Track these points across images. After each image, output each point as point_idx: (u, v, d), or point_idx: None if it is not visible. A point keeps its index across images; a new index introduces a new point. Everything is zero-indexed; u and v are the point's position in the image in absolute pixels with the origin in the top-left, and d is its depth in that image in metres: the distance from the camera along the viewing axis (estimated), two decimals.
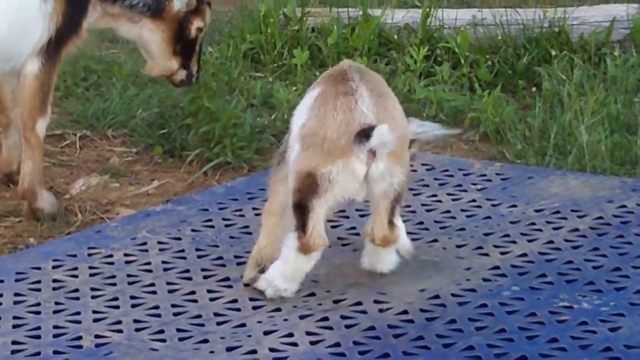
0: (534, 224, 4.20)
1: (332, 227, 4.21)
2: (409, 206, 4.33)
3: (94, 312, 3.66)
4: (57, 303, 3.73)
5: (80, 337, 3.49)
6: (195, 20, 5.26)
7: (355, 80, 3.72)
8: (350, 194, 3.71)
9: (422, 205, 4.41)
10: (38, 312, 3.66)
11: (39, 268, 3.98)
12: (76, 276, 3.91)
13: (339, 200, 3.69)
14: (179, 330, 3.52)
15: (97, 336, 3.49)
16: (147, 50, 5.37)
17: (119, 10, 5.18)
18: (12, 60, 4.97)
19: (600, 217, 4.24)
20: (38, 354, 3.39)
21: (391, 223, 3.78)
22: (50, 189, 5.35)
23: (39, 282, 3.88)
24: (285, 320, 3.53)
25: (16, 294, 3.79)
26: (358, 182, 3.66)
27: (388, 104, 3.79)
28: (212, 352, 3.38)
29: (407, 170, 3.80)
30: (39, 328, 3.55)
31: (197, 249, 4.09)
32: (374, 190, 3.68)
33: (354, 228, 4.19)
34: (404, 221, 3.92)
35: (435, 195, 4.51)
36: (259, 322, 3.52)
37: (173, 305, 3.68)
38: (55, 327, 3.57)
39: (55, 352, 3.40)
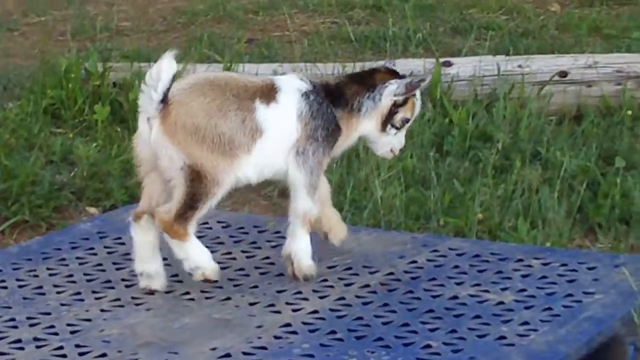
0: (326, 280, 4.23)
1: (126, 286, 4.23)
2: None
3: None
4: None
5: None
6: None
7: None
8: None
9: (217, 262, 4.43)
10: None
11: None
12: None
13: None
14: None
15: None
16: None
17: None
18: None
19: (391, 273, 4.28)
20: None
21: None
22: None
23: None
24: None
25: None
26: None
27: None
28: None
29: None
30: None
31: None
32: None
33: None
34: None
35: (230, 253, 4.52)
36: None
37: None
38: None
39: None
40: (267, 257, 4.45)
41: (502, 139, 6.01)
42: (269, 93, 4.16)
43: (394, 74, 4.19)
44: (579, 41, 8.27)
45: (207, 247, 4.52)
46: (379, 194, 5.47)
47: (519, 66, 6.88)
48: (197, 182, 4.05)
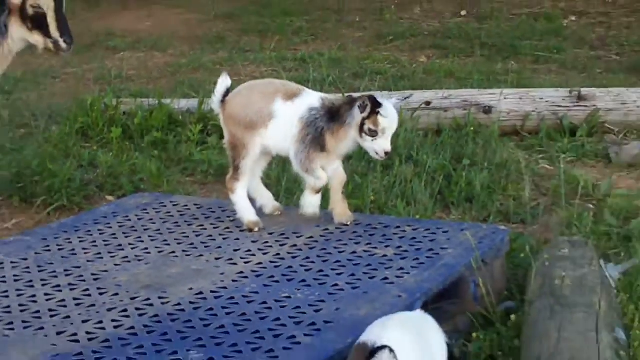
0: (267, 242, 4.22)
1: (132, 248, 4.21)
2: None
3: None
4: None
5: None
6: None
7: None
8: None
9: (193, 232, 4.41)
10: None
11: None
12: None
13: None
14: (24, 321, 3.48)
15: None
16: None
17: None
18: None
19: (311, 237, 4.27)
20: None
21: None
22: None
23: None
24: None
25: None
26: None
27: None
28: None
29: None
30: None
31: (38, 266, 4.03)
32: None
33: None
34: None
35: (202, 225, 4.46)
36: None
37: (20, 305, 3.63)
38: None
39: None
40: (228, 228, 4.42)
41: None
42: (290, 96, 4.32)
43: (371, 99, 4.17)
44: (438, 81, 8.29)
45: (185, 222, 4.55)
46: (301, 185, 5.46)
47: (398, 99, 6.90)
48: (235, 148, 4.33)
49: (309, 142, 4.27)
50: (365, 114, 4.14)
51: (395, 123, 4.20)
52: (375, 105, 4.12)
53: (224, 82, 4.40)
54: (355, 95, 4.41)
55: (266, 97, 4.33)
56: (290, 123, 4.29)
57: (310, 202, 4.40)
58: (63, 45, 4.73)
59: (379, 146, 4.18)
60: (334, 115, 4.24)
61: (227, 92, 4.39)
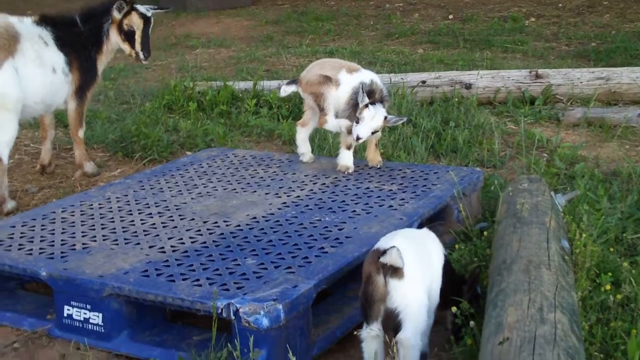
0: (304, 181, 4.21)
1: (204, 187, 4.21)
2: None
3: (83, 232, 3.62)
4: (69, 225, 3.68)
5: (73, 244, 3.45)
6: None
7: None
8: None
9: (250, 175, 4.41)
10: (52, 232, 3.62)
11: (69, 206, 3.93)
12: (73, 214, 3.86)
13: None
14: (125, 239, 3.51)
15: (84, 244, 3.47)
16: None
17: None
18: (53, 106, 4.87)
19: (336, 178, 4.25)
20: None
21: None
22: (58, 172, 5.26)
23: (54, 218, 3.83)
24: None
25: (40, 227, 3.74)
26: None
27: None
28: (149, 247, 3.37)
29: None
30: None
31: (135, 200, 4.03)
32: None
33: None
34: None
35: (255, 170, 4.46)
36: None
37: (122, 227, 3.65)
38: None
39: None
40: (274, 172, 4.43)
41: (392, 113, 5.99)
42: (353, 71, 4.27)
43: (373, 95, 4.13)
44: (432, 66, 8.22)
45: (243, 168, 4.54)
46: (331, 142, 5.45)
47: (402, 78, 6.83)
48: (317, 99, 4.29)
49: (352, 106, 4.22)
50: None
51: None
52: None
53: (286, 88, 4.49)
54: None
55: (335, 68, 4.30)
56: (346, 90, 4.23)
57: (343, 157, 4.35)
58: (142, 57, 5.01)
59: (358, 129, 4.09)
60: (369, 96, 4.12)
61: (293, 81, 4.46)
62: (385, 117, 4.08)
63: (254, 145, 5.87)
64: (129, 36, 4.95)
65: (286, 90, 4.49)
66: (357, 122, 4.07)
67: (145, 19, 4.95)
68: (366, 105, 4.05)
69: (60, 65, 4.73)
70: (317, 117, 4.41)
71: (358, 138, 4.06)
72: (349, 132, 4.18)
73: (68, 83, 4.82)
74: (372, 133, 4.11)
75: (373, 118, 4.05)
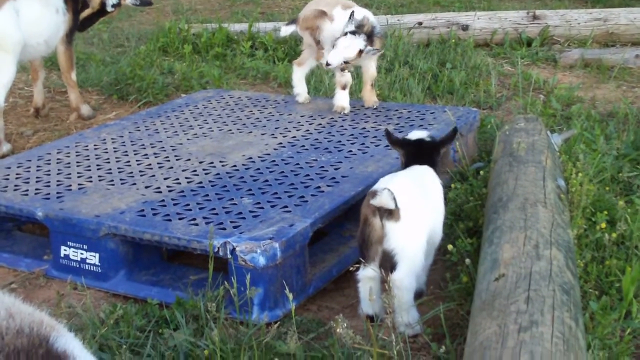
0: (299, 122, 4.17)
1: (199, 127, 4.16)
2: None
3: (79, 173, 3.58)
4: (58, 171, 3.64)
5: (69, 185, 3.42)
6: None
7: None
8: None
9: (245, 116, 4.36)
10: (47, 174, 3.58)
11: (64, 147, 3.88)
12: (68, 155, 3.81)
13: None
14: (121, 179, 3.47)
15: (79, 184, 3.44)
16: None
17: None
18: (53, 47, 4.82)
19: (332, 118, 4.21)
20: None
21: None
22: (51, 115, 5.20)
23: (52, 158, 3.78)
24: None
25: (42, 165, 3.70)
26: None
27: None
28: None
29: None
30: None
31: (131, 141, 3.99)
32: None
33: None
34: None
35: (251, 111, 4.42)
36: None
37: (118, 168, 3.61)
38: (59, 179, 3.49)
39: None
40: (270, 112, 4.38)
41: (389, 55, 5.91)
42: (347, 7, 4.19)
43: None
44: (428, 7, 8.09)
45: (239, 109, 4.48)
46: (327, 83, 5.38)
47: (398, 20, 6.73)
48: (313, 33, 4.25)
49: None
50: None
51: None
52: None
53: (286, 28, 4.44)
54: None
55: (330, 5, 4.24)
56: (341, 25, 4.13)
57: (339, 97, 4.29)
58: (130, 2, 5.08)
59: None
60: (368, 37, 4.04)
61: (293, 21, 4.43)
62: (361, 50, 3.97)
63: (249, 87, 5.80)
64: None
65: (286, 30, 4.43)
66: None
67: None
68: (345, 34, 3.95)
69: (61, 6, 4.76)
70: (314, 56, 4.35)
71: (327, 64, 3.98)
72: (342, 70, 4.13)
73: (64, 24, 4.80)
74: (345, 63, 4.02)
75: (347, 47, 3.96)
